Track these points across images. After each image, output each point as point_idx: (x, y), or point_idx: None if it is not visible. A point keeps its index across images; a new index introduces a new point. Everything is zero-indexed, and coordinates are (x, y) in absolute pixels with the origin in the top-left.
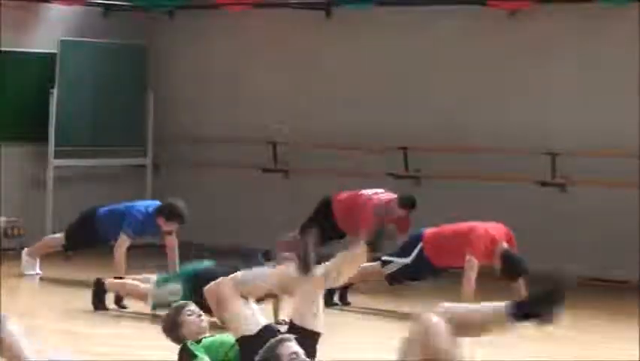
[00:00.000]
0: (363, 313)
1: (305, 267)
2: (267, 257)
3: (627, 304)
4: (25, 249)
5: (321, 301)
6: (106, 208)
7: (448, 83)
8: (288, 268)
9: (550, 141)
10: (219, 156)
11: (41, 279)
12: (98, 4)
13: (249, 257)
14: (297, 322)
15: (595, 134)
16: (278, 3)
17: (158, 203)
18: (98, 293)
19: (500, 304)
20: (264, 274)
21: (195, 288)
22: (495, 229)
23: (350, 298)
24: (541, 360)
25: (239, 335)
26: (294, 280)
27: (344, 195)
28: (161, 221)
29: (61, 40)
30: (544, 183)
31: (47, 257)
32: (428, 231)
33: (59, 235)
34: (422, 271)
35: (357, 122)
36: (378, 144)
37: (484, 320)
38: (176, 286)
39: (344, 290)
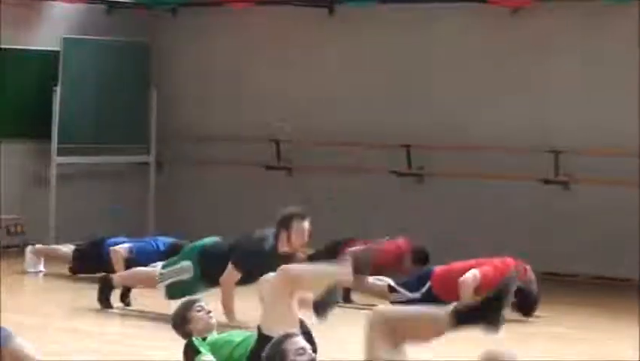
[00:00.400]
0: (365, 310)
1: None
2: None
3: (628, 302)
4: (30, 247)
5: (290, 302)
6: (114, 240)
7: (451, 81)
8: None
9: (552, 138)
10: (222, 154)
11: (45, 275)
12: (101, 2)
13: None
14: (264, 331)
15: (597, 131)
16: (281, 1)
17: (167, 240)
18: (104, 290)
19: (445, 309)
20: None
21: (203, 265)
22: (504, 263)
23: (352, 296)
24: (542, 360)
25: (269, 330)
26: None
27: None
28: None
29: (64, 38)
30: (546, 181)
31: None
32: (438, 269)
33: (66, 250)
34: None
35: (360, 119)
36: (381, 141)
37: (422, 324)
38: (186, 263)
39: (347, 289)
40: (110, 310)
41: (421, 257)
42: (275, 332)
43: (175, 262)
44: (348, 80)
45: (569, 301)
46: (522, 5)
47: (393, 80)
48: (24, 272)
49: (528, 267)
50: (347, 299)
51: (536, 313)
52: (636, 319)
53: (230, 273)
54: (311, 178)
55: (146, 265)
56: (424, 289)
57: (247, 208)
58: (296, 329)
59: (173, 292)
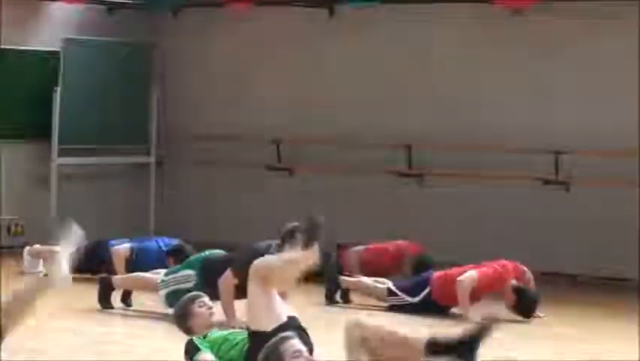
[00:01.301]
0: (364, 310)
1: (309, 240)
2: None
3: (628, 302)
4: (27, 248)
5: (271, 292)
6: (116, 241)
7: (451, 81)
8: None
9: (553, 139)
10: (222, 154)
11: (44, 276)
12: (102, 3)
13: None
14: (252, 328)
15: (597, 132)
16: (282, 1)
17: (169, 241)
18: (105, 291)
19: (421, 337)
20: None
21: (205, 274)
22: (503, 266)
23: (351, 296)
24: (542, 359)
25: (256, 326)
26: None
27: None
28: (171, 262)
29: (65, 39)
30: (547, 182)
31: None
32: (436, 274)
33: None
34: (427, 311)
35: (360, 119)
36: (381, 141)
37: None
38: (188, 272)
39: (346, 289)
40: (110, 310)
41: (423, 265)
42: (263, 326)
43: (177, 270)
44: (348, 80)
45: (569, 301)
46: (523, 7)
47: (393, 80)
48: (23, 273)
49: (526, 269)
50: (346, 299)
51: (536, 313)
52: (636, 319)
53: (228, 277)
54: (311, 178)
55: (147, 266)
56: (423, 294)
57: (247, 209)
58: (282, 322)
59: (172, 301)
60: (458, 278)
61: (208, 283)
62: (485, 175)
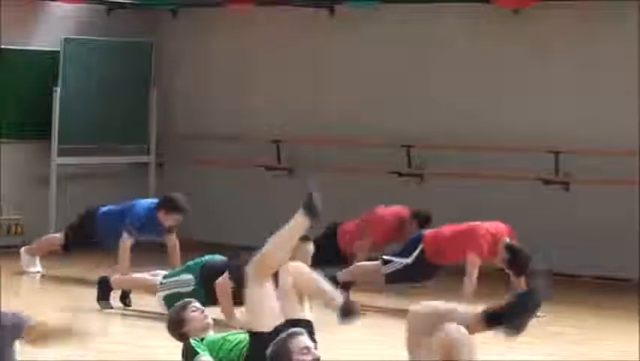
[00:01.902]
0: (364, 310)
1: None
2: None
3: (628, 302)
4: (24, 247)
5: (270, 293)
6: (106, 208)
7: (451, 81)
8: None
9: (552, 138)
10: (222, 154)
11: (42, 276)
12: (101, 2)
13: None
14: (253, 329)
15: (597, 131)
16: (282, 1)
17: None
18: (103, 291)
19: (475, 310)
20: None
21: (205, 279)
22: (496, 226)
23: (351, 296)
24: (542, 359)
25: (255, 328)
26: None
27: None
28: (161, 215)
29: (65, 39)
30: (547, 182)
31: (48, 255)
32: (428, 232)
33: (59, 235)
34: (421, 272)
35: (360, 119)
36: (382, 141)
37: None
38: (187, 276)
39: (346, 289)
40: (109, 310)
41: (426, 219)
42: (263, 327)
43: (177, 274)
44: (348, 80)
45: (569, 301)
46: (523, 6)
47: (393, 80)
48: (22, 272)
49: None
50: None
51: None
52: (636, 319)
53: (224, 280)
54: (311, 178)
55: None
56: (415, 254)
57: (248, 209)
58: (282, 320)
59: (170, 303)
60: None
61: (207, 287)
62: (485, 175)
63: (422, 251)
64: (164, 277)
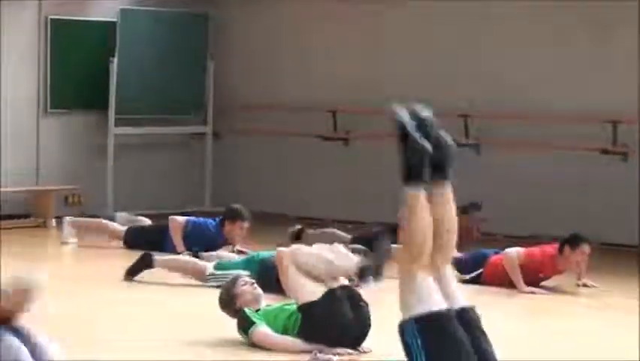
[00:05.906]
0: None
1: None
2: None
3: None
4: (68, 218)
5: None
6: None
7: (504, 56)
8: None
9: (611, 108)
10: (278, 125)
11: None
12: None
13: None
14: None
15: None
16: None
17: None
18: (139, 265)
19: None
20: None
21: (258, 275)
22: (552, 247)
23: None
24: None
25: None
26: None
27: None
28: (228, 226)
29: (122, 9)
30: (605, 151)
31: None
32: (494, 257)
33: (118, 228)
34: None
35: (410, 92)
36: (435, 112)
37: None
38: (240, 272)
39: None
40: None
41: (478, 207)
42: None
43: (229, 267)
44: (403, 54)
45: (629, 274)
46: None
47: (442, 55)
48: (63, 243)
49: None
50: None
51: (591, 283)
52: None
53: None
54: (366, 149)
55: (198, 242)
56: (474, 274)
57: (304, 179)
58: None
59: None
60: (505, 250)
61: (260, 286)
62: (540, 144)
63: (480, 275)
64: (216, 267)
